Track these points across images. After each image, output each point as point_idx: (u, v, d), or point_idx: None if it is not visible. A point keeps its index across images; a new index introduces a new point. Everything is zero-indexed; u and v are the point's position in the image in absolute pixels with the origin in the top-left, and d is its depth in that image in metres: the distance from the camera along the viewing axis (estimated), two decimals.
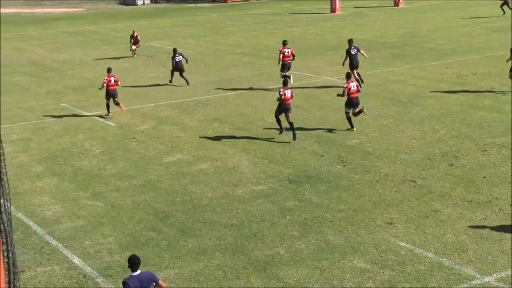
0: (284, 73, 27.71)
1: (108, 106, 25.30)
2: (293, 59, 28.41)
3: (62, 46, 44.35)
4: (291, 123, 21.27)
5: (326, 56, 36.42)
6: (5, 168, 5.56)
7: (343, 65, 28.37)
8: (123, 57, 38.79)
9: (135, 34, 39.11)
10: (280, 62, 28.28)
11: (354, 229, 15.01)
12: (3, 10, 69.44)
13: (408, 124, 22.91)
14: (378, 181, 17.83)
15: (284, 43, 28.43)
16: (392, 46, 39.06)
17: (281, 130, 21.63)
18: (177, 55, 29.90)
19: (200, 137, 22.43)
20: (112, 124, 24.42)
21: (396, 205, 16.24)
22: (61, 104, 27.81)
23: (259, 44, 41.82)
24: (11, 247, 5.32)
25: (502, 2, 49.62)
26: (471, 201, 16.23)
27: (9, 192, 5.63)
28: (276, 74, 30.57)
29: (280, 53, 28.28)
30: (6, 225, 5.31)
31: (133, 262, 10.29)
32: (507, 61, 26.72)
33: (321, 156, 20.06)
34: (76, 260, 14.09)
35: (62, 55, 40.73)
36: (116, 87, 25.18)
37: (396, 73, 31.27)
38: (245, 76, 31.95)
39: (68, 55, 40.73)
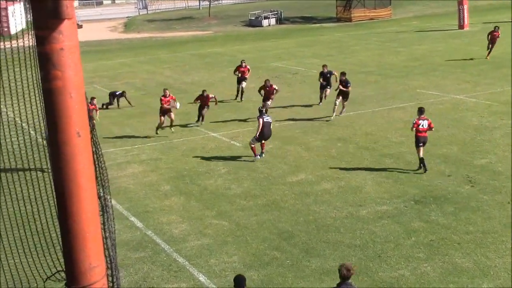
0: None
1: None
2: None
3: (190, 68, 45.61)
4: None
5: (454, 74, 35.51)
6: (110, 193, 5.74)
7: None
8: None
9: (127, 94, 33.58)
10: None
11: (483, 252, 14.48)
12: (138, 35, 72.40)
13: None
14: (509, 202, 17.14)
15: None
16: None
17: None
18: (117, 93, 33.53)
19: (323, 157, 22.40)
20: (238, 144, 24.81)
21: None
22: (189, 125, 28.55)
23: (384, 63, 41.36)
24: (115, 271, 5.48)
25: None
26: None
27: (114, 218, 5.80)
28: (401, 92, 30.17)
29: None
30: (110, 250, 5.48)
31: (238, 283, 10.80)
32: None
33: (448, 176, 19.52)
34: (202, 278, 14.37)
35: (190, 77, 41.90)
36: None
37: None
38: (370, 96, 31.65)
39: (196, 77, 41.82)
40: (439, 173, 19.86)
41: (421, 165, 20.02)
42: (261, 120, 22.44)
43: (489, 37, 39.46)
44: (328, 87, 29.63)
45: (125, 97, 33.32)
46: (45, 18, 4.50)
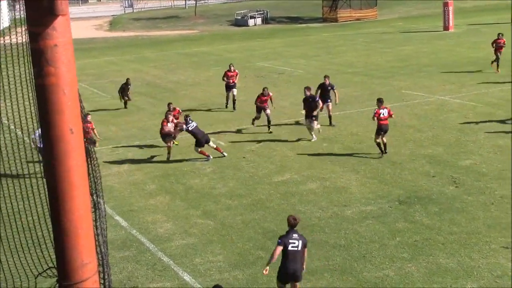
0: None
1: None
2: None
3: (177, 67, 45.56)
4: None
5: (439, 75, 35.69)
6: (102, 191, 5.75)
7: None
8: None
9: None
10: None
11: (467, 252, 14.58)
12: (124, 34, 72.16)
13: None
14: (493, 203, 17.26)
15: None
16: None
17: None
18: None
19: (309, 157, 22.45)
20: (223, 143, 24.80)
21: None
22: None
23: (370, 64, 41.51)
24: (107, 268, 5.49)
25: None
26: None
27: (105, 215, 5.81)
28: (387, 93, 30.30)
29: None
30: (102, 247, 5.49)
31: None
32: None
33: (433, 176, 19.64)
34: (187, 277, 14.36)
35: (176, 76, 41.86)
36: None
37: None
38: (355, 96, 31.76)
39: (182, 76, 41.79)
40: (423, 173, 19.96)
41: (381, 150, 21.61)
42: (181, 129, 22.67)
43: (494, 45, 35.46)
44: (329, 100, 25.65)
45: (129, 87, 31.91)
46: (39, 14, 4.51)
